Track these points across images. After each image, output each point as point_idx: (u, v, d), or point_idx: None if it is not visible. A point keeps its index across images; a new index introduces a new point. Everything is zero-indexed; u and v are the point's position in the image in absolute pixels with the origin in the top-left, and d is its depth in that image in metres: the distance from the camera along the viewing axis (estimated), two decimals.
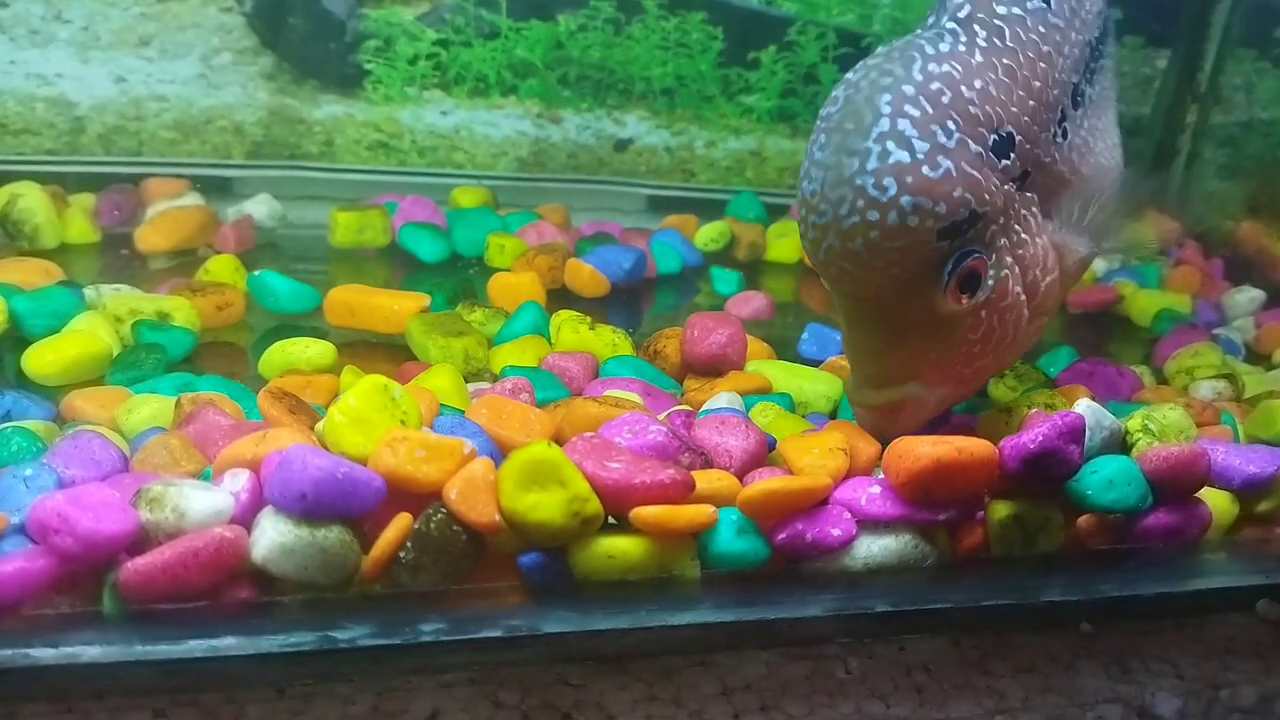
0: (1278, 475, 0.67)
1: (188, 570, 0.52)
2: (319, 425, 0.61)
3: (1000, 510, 0.62)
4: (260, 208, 1.07)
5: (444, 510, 0.55)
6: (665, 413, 0.72)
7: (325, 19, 1.12)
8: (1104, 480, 0.63)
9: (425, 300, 0.89)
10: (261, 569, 0.53)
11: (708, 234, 1.15)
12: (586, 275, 1.01)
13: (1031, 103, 0.66)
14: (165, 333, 0.80)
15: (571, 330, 0.85)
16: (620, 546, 0.57)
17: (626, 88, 1.20)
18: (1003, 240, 0.64)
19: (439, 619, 0.56)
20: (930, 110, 0.60)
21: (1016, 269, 0.66)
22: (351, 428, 0.58)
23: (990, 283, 0.64)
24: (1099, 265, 1.12)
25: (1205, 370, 0.84)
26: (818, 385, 0.79)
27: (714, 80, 1.20)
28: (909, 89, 0.61)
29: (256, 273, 0.91)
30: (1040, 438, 0.60)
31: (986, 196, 0.62)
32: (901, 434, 0.63)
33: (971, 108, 0.62)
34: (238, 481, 0.55)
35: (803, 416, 0.75)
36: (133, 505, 0.53)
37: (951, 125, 0.60)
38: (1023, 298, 0.66)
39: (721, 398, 0.75)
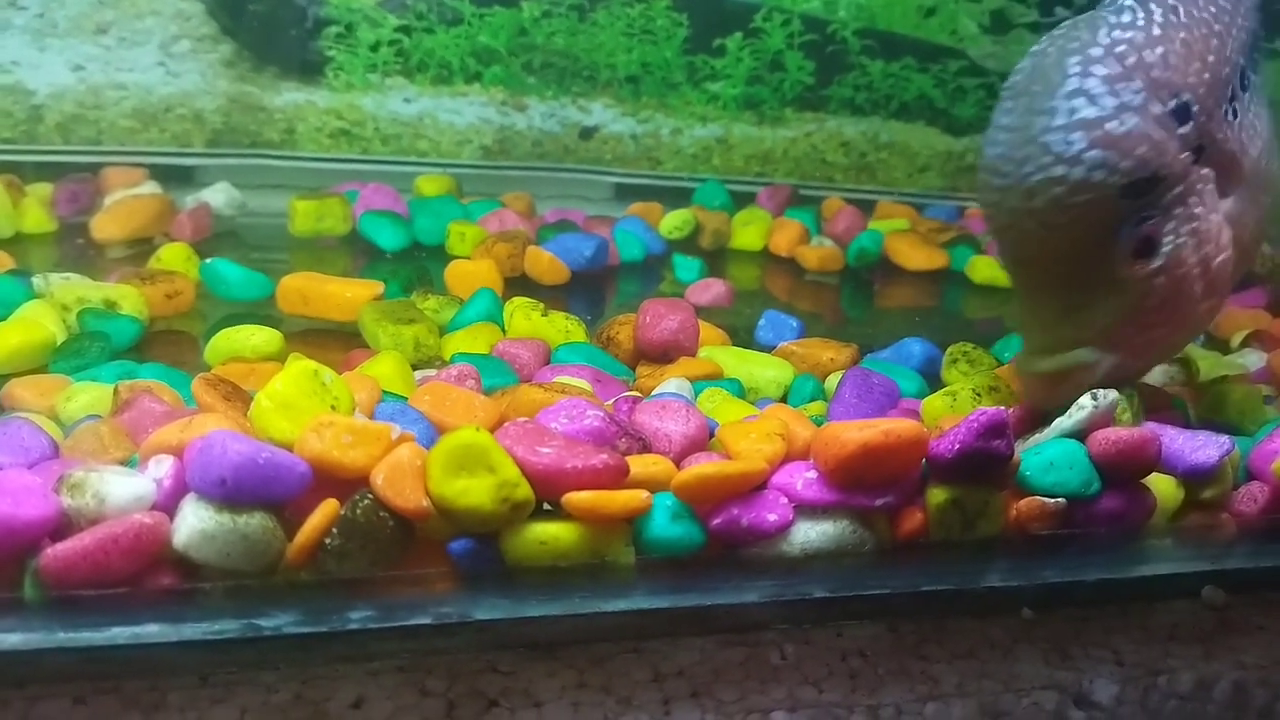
0: (1224, 461, 0.67)
1: (108, 556, 0.51)
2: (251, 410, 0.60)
3: (939, 495, 0.62)
4: (218, 196, 1.06)
5: (371, 496, 0.55)
6: (613, 399, 0.72)
7: (285, 5, 1.11)
8: (1044, 463, 0.62)
9: (379, 288, 0.88)
10: (183, 555, 0.53)
11: (672, 222, 1.14)
12: (546, 262, 1.00)
13: (1206, 75, 0.66)
14: (110, 321, 0.80)
15: (524, 317, 0.85)
16: (552, 532, 0.57)
17: (591, 75, 1.19)
18: (1179, 209, 0.65)
19: (367, 606, 0.55)
20: (1118, 69, 0.62)
21: (1192, 241, 0.66)
22: (279, 413, 0.57)
23: (1167, 248, 0.64)
24: None
25: None
26: (769, 371, 0.78)
27: (679, 67, 1.19)
28: (1096, 50, 0.63)
29: (208, 260, 0.91)
30: (957, 445, 0.59)
31: (1168, 160, 0.63)
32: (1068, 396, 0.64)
33: (1155, 71, 0.63)
34: (161, 468, 0.55)
35: (752, 402, 0.75)
36: (54, 491, 0.53)
37: (1139, 84, 0.62)
38: (1197, 270, 0.67)
39: (670, 384, 0.75)
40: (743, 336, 0.89)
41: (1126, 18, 0.65)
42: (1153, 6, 0.66)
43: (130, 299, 0.83)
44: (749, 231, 1.16)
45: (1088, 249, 0.63)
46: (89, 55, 1.08)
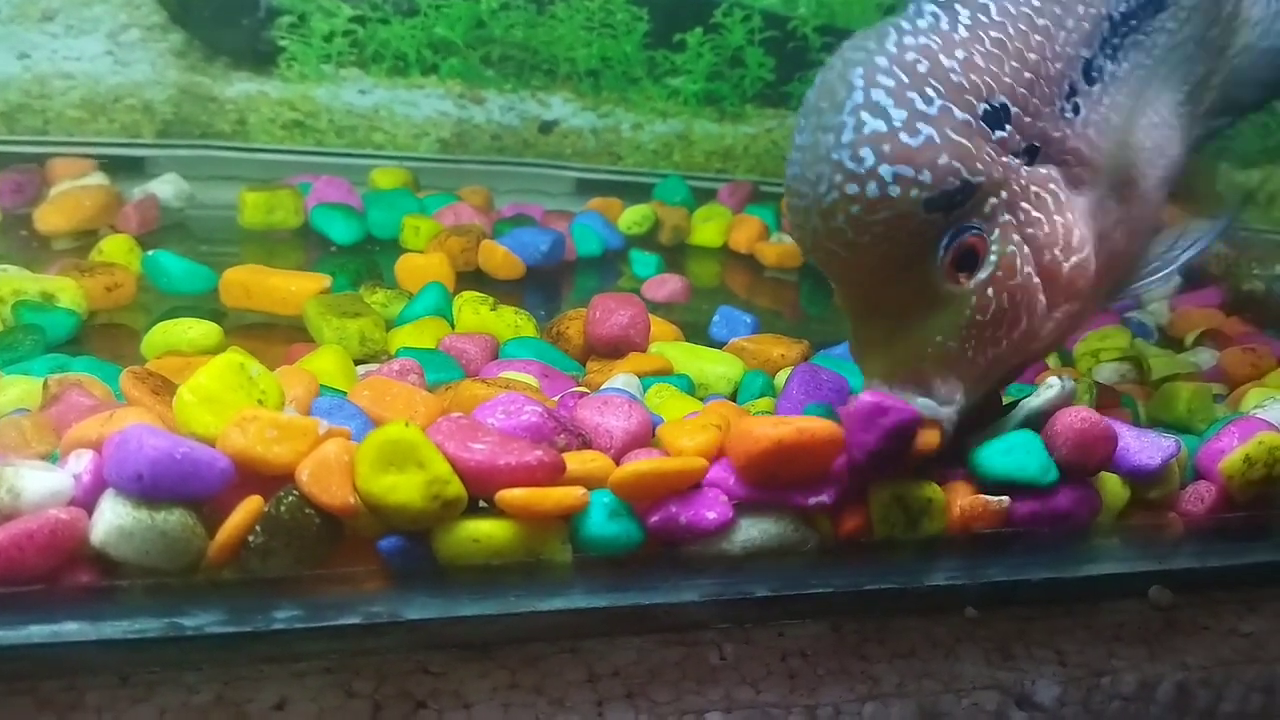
0: (1169, 463, 0.66)
1: (23, 552, 0.50)
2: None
3: (881, 492, 0.61)
4: (166, 188, 1.04)
5: (296, 493, 0.53)
6: (559, 395, 0.71)
7: None
8: (1003, 447, 0.62)
9: (325, 281, 0.87)
10: (101, 552, 0.51)
11: (631, 217, 1.13)
12: (500, 257, 0.99)
13: (1027, 75, 0.63)
14: (46, 314, 0.78)
15: (472, 311, 0.84)
16: (485, 530, 0.55)
17: (551, 68, 1.18)
18: (1007, 216, 0.62)
19: (294, 605, 0.54)
20: (906, 79, 0.59)
21: (1026, 248, 0.63)
22: (202, 407, 0.55)
23: (993, 258, 0.61)
24: None
25: (1112, 353, 0.84)
26: (719, 367, 0.77)
27: (640, 62, 1.18)
28: (882, 60, 0.59)
29: (150, 253, 0.89)
30: (862, 453, 0.58)
31: (979, 166, 0.60)
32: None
33: (954, 76, 0.60)
34: (81, 462, 0.53)
35: (701, 399, 0.74)
36: None
37: (931, 93, 0.59)
38: (1036, 280, 0.63)
39: (619, 379, 0.74)
40: (698, 332, 0.89)
41: (924, 23, 0.62)
42: (958, 8, 0.63)
43: (68, 291, 0.81)
44: (709, 228, 1.15)
45: (900, 266, 0.60)
46: (34, 43, 1.06)
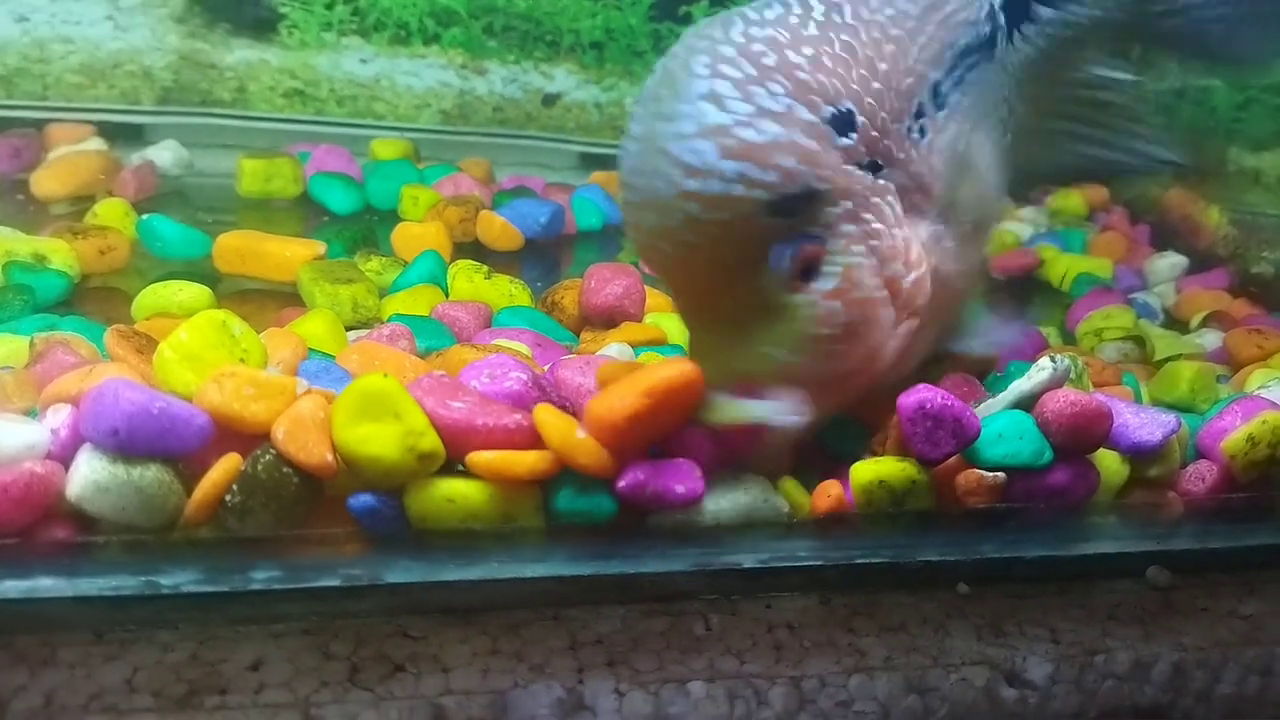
0: (1169, 440, 0.65)
1: None
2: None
3: (864, 473, 0.59)
4: (165, 154, 1.03)
5: (273, 451, 0.52)
6: (549, 364, 0.70)
7: None
8: (993, 434, 0.61)
9: (319, 248, 0.86)
10: (77, 508, 0.50)
11: None
12: (499, 228, 0.98)
13: (876, 85, 0.59)
14: (37, 275, 0.77)
15: (466, 279, 0.83)
16: (460, 490, 0.54)
17: (554, 40, 1.16)
18: (850, 226, 0.58)
19: (273, 566, 0.53)
20: (752, 72, 0.54)
21: (870, 261, 0.59)
22: (182, 364, 0.55)
23: (835, 269, 0.57)
24: (1023, 230, 1.09)
25: (1114, 332, 0.82)
26: None
27: (645, 35, 1.17)
28: (727, 49, 0.55)
29: (145, 217, 0.88)
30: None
31: (825, 173, 0.56)
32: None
33: (800, 73, 0.56)
34: (59, 417, 0.52)
35: None
36: None
37: (778, 89, 0.54)
38: (883, 293, 0.59)
39: (611, 348, 0.73)
40: None
41: (772, 14, 0.57)
42: (811, 3, 0.59)
43: (60, 253, 0.80)
44: None
45: (737, 271, 0.55)
46: (34, 6, 1.05)
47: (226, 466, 0.52)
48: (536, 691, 0.51)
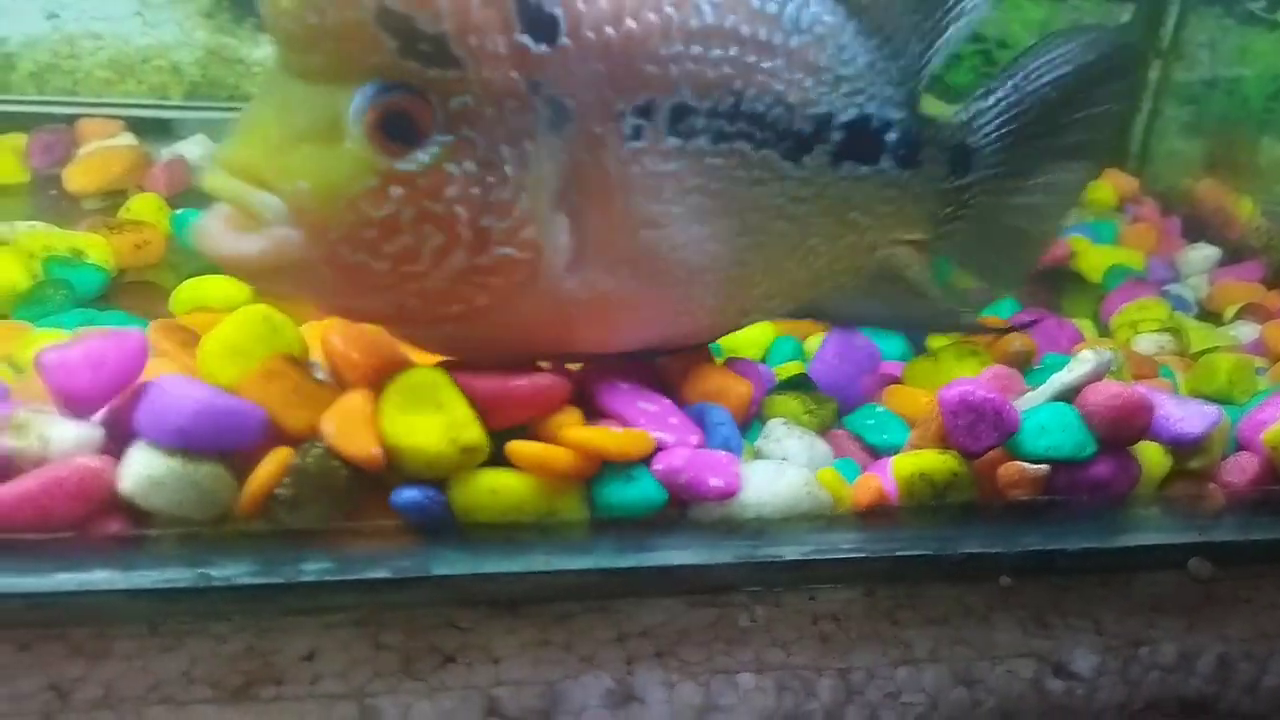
0: (1213, 430, 0.65)
1: (53, 500, 0.49)
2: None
3: (906, 466, 0.59)
4: (194, 149, 1.04)
5: (322, 444, 0.53)
6: None
7: None
8: (1035, 427, 0.60)
9: None
10: (131, 502, 0.51)
11: None
12: None
13: (612, 31, 0.50)
14: (75, 269, 0.78)
15: None
16: (504, 481, 0.54)
17: None
18: (472, 133, 0.49)
19: (323, 557, 0.54)
20: None
21: (472, 187, 0.49)
22: (225, 358, 0.55)
23: (432, 154, 0.48)
24: None
25: (1150, 324, 0.82)
26: (748, 331, 0.76)
27: None
28: None
29: (180, 211, 0.88)
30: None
31: (478, 47, 0.48)
32: (247, 275, 0.51)
33: None
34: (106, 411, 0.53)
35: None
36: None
37: None
38: (463, 228, 0.50)
39: None
40: None
41: None
42: None
43: (97, 248, 0.80)
44: None
45: (326, 61, 0.48)
46: (63, 3, 1.05)
47: (278, 459, 0.52)
48: (587, 683, 0.51)
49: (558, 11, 0.51)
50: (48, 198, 0.98)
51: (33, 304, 0.74)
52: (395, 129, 0.49)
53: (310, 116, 0.49)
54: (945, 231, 0.67)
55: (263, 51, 1.11)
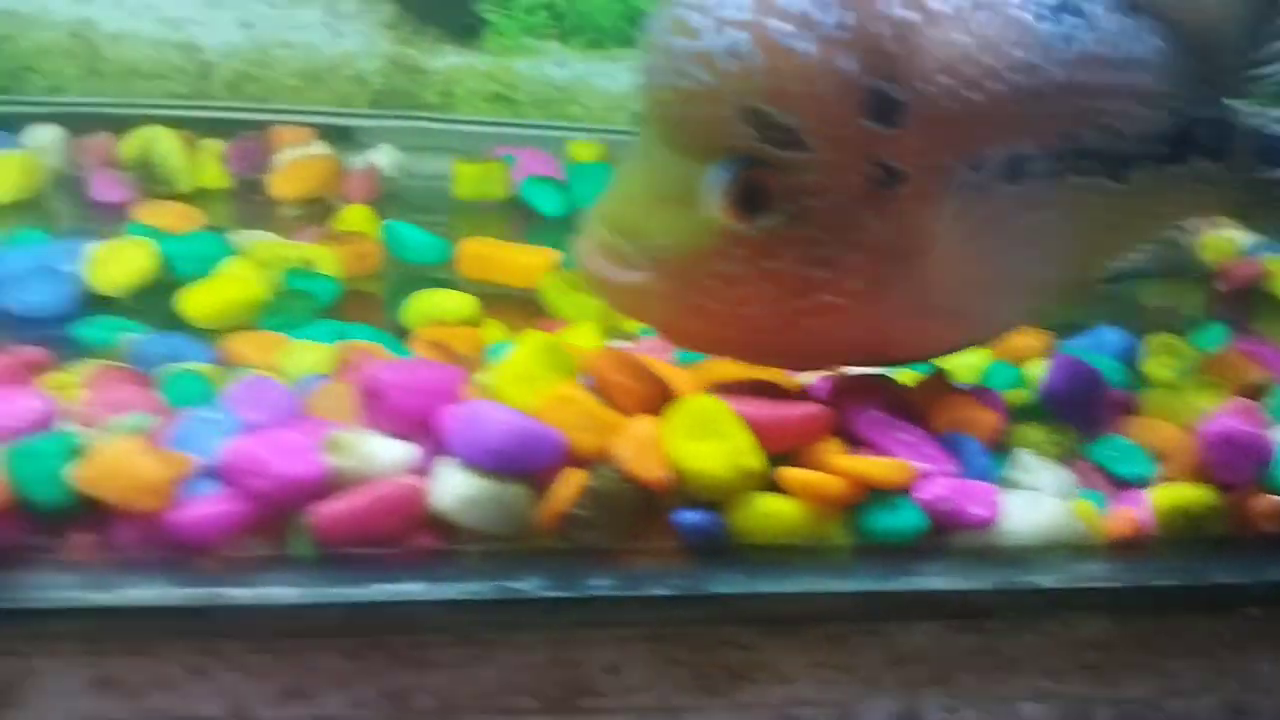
0: None
1: (376, 516, 0.53)
2: (479, 377, 0.62)
3: (1165, 499, 0.61)
4: (384, 158, 1.07)
5: (616, 467, 0.55)
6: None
7: None
8: None
9: (556, 255, 0.89)
10: (442, 518, 0.54)
11: None
12: None
13: (953, 109, 0.55)
14: (313, 280, 0.81)
15: None
16: (777, 506, 0.57)
17: None
18: (810, 201, 0.54)
19: (608, 574, 0.56)
20: None
21: (805, 246, 0.55)
22: (518, 383, 0.58)
23: (768, 222, 0.54)
24: (1244, 237, 1.07)
25: None
26: (966, 356, 0.77)
27: None
28: None
29: (390, 222, 0.92)
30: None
31: (827, 134, 0.53)
32: (608, 298, 0.59)
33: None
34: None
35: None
36: (318, 450, 0.54)
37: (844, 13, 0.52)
38: (792, 281, 0.56)
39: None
40: None
41: None
42: None
43: (326, 259, 0.84)
44: None
45: (691, 141, 0.54)
46: (258, 14, 1.10)
47: (574, 480, 0.55)
48: (874, 705, 0.53)
49: (904, 98, 0.54)
50: (250, 203, 1.03)
51: (277, 314, 0.77)
52: (746, 199, 0.55)
53: (674, 184, 0.56)
54: (1256, 214, 0.72)
55: (442, 62, 1.14)
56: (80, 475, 0.50)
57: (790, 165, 0.54)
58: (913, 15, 0.54)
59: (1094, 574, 0.60)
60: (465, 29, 1.14)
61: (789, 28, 0.52)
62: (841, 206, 0.55)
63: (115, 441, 0.50)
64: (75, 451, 0.51)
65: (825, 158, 0.54)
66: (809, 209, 0.55)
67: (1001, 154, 0.58)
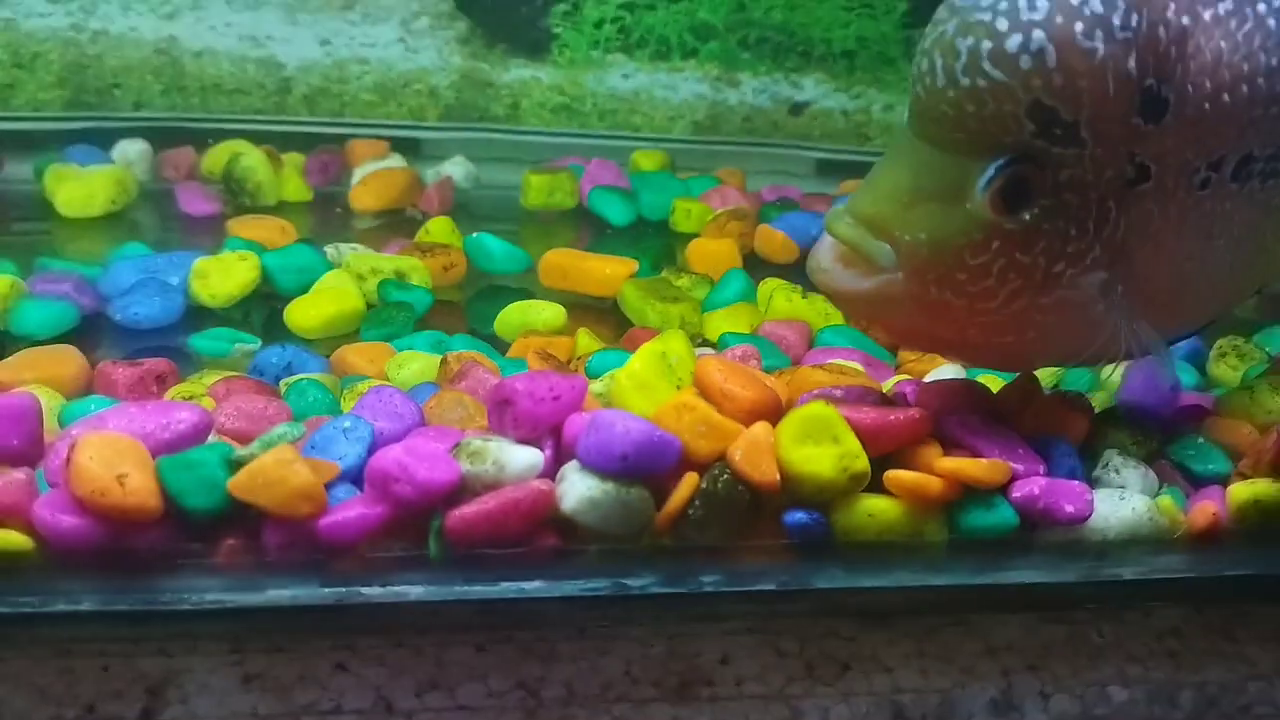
0: None
1: (508, 519, 0.56)
2: (595, 385, 0.66)
3: (1242, 494, 0.64)
4: (457, 169, 1.11)
5: (729, 470, 0.59)
6: (889, 382, 0.75)
7: None
8: None
9: (633, 265, 0.93)
10: (567, 520, 0.58)
11: None
12: (779, 242, 1.03)
13: (1206, 109, 0.57)
14: (409, 291, 0.85)
15: (784, 299, 0.88)
16: (879, 506, 0.60)
17: (806, 50, 1.21)
18: (1070, 196, 0.56)
19: (718, 571, 0.60)
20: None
21: (1057, 241, 0.57)
22: (636, 391, 0.62)
23: (1028, 216, 0.56)
24: None
25: None
26: None
27: (896, 42, 1.21)
28: None
29: (474, 235, 0.96)
30: None
31: (1101, 130, 0.54)
32: (849, 306, 0.62)
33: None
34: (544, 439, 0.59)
35: None
36: (453, 457, 0.58)
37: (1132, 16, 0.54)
38: (1039, 275, 0.57)
39: (944, 369, 0.78)
40: None
41: None
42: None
43: (418, 271, 0.88)
44: None
45: (967, 138, 0.55)
46: (336, 30, 1.14)
47: (689, 484, 0.59)
48: (973, 693, 0.57)
49: (1171, 95, 0.57)
50: (331, 215, 1.07)
51: (379, 325, 0.81)
52: (1012, 194, 0.56)
53: (939, 180, 0.57)
54: None
55: (511, 75, 1.18)
56: (237, 483, 0.54)
57: (1060, 160, 0.56)
58: (1186, 19, 0.57)
59: (1174, 565, 0.64)
60: (534, 43, 1.18)
61: (1083, 27, 0.53)
62: (1094, 201, 0.57)
63: (272, 450, 0.54)
64: (230, 461, 0.55)
65: (1094, 152, 0.56)
66: (1065, 203, 0.57)
67: (1236, 155, 0.60)
